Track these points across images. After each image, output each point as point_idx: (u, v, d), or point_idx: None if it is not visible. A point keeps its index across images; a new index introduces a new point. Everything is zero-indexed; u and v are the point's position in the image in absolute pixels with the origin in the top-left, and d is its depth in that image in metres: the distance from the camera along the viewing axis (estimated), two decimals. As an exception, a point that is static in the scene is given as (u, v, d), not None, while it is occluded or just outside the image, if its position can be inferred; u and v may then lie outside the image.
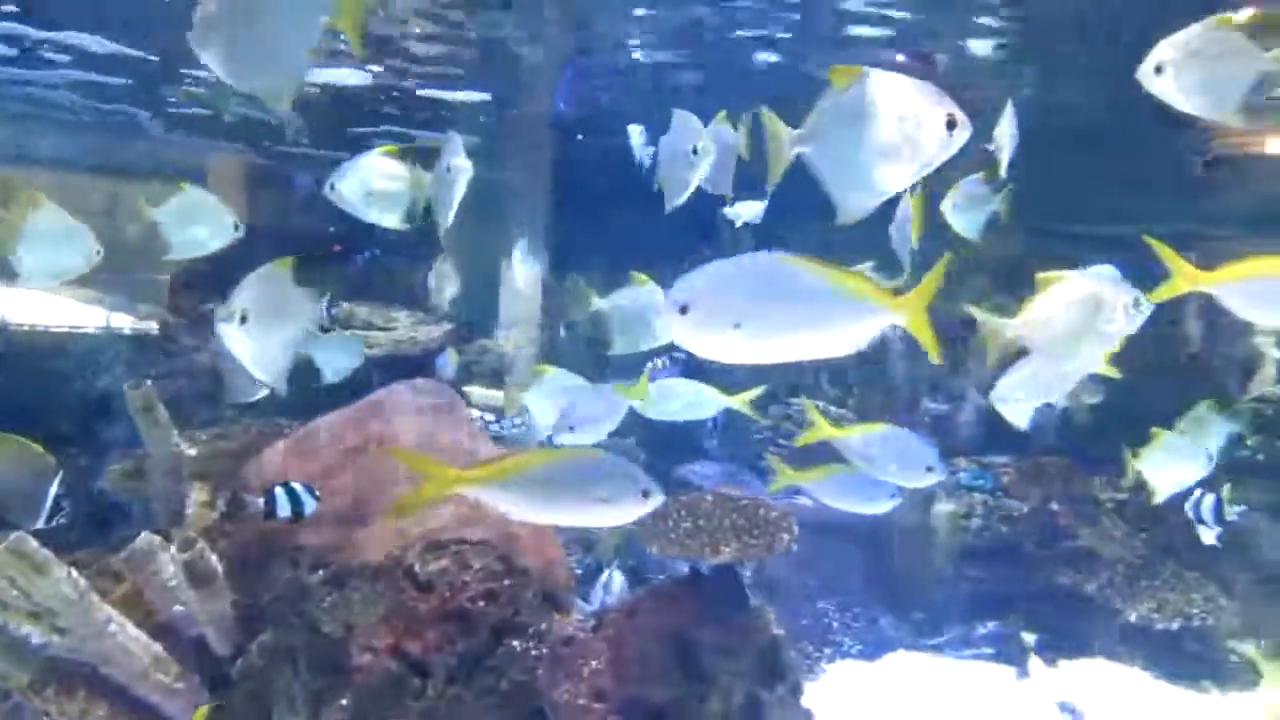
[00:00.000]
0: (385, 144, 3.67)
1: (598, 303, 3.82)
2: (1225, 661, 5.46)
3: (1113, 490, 6.05)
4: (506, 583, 3.44)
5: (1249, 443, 6.11)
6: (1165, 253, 2.83)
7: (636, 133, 5.44)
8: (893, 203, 4.50)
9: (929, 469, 3.67)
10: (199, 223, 3.95)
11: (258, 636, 3.69)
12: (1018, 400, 3.71)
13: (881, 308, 2.10)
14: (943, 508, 5.92)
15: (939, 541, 5.88)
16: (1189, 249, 7.08)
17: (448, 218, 3.42)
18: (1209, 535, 4.10)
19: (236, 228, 4.01)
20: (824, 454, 3.96)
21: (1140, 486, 5.63)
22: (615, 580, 3.65)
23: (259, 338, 2.86)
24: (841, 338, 2.11)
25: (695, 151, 3.37)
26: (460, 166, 3.38)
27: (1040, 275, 3.03)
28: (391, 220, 3.48)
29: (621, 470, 2.54)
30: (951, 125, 2.21)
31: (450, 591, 3.38)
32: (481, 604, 3.37)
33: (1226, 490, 4.28)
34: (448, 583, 3.39)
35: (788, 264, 2.10)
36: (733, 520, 3.41)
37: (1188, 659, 5.47)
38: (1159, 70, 2.61)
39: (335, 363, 4.60)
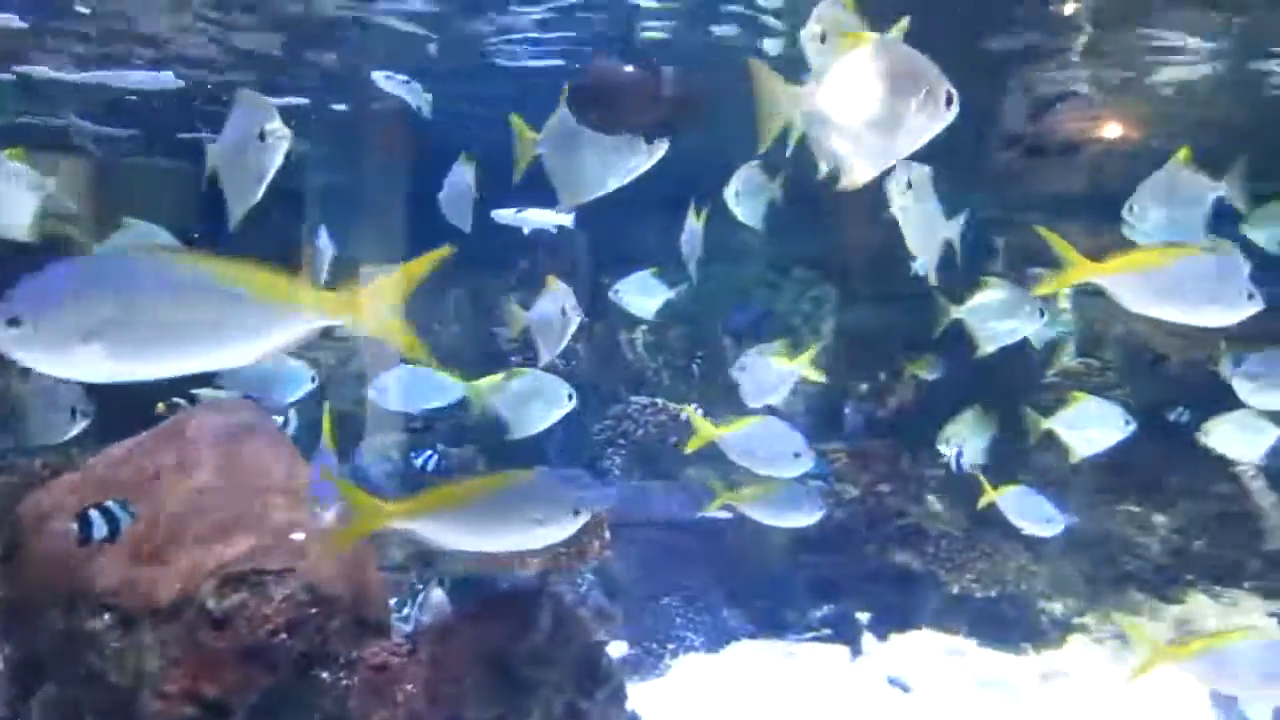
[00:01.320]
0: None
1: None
2: (1038, 622, 5.83)
3: (935, 467, 6.34)
4: (312, 612, 3.26)
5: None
6: (1058, 244, 2.92)
7: (381, 77, 5.05)
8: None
9: (796, 455, 3.87)
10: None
11: (36, 692, 3.38)
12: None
13: (305, 309, 1.84)
14: (778, 496, 6.06)
15: (776, 529, 6.01)
16: (1000, 233, 7.43)
17: (257, 194, 2.96)
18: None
19: None
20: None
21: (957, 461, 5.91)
22: (433, 598, 3.54)
23: None
24: (250, 345, 1.85)
25: (648, 141, 2.75)
26: (277, 132, 2.87)
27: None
28: (18, 227, 3.19)
29: (553, 490, 2.58)
30: (949, 101, 2.18)
31: (249, 626, 3.18)
32: (284, 637, 3.18)
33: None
34: (246, 617, 3.18)
35: (173, 262, 1.81)
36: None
37: (1006, 623, 5.81)
38: (823, 39, 2.61)
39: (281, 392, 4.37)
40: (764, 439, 3.96)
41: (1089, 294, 4.77)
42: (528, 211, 5.32)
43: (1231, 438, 4.37)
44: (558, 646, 3.22)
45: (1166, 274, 2.84)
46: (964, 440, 4.54)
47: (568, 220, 5.35)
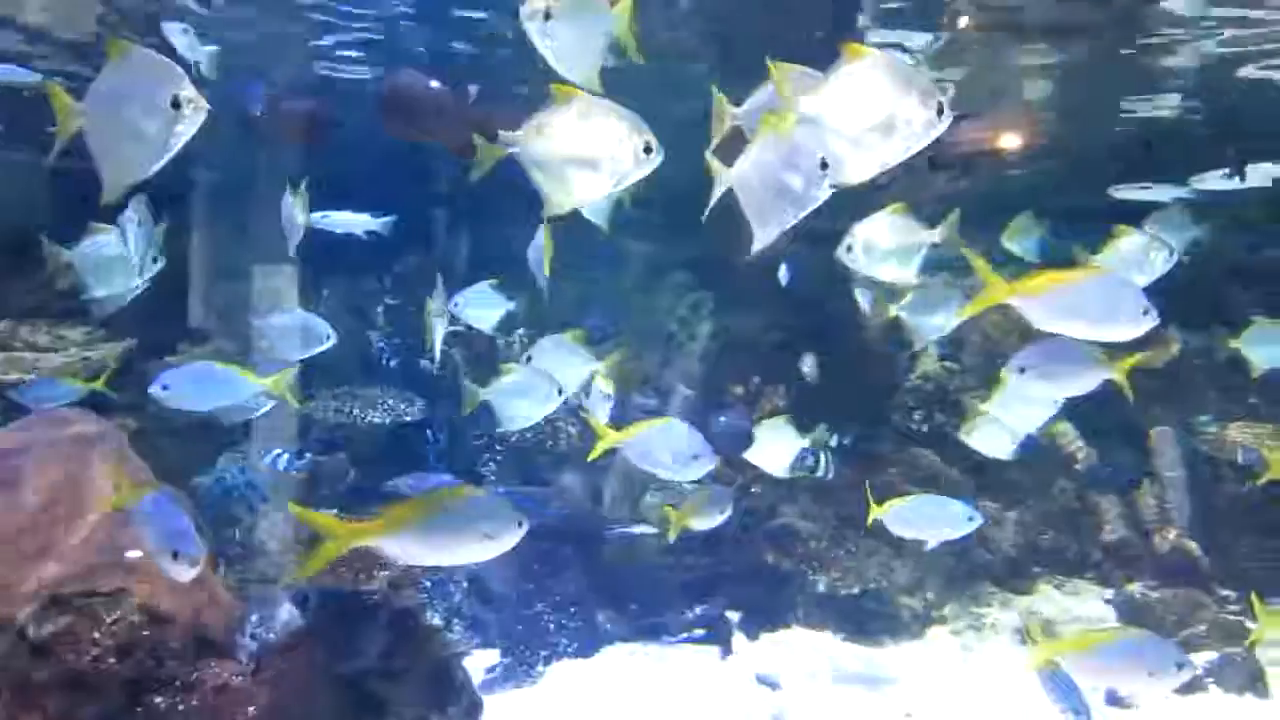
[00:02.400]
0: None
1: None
2: (899, 616, 6.05)
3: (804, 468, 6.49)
4: (145, 634, 3.11)
5: (916, 418, 6.81)
6: (979, 267, 3.01)
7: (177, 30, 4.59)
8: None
9: (696, 457, 3.92)
10: (113, 259, 3.90)
11: None
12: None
13: None
14: (652, 500, 6.11)
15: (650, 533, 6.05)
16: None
17: (150, 169, 2.58)
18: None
19: (155, 260, 3.92)
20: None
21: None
22: (280, 615, 3.41)
23: None
24: None
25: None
26: (195, 103, 2.52)
27: None
28: None
29: (499, 506, 2.73)
30: (940, 111, 2.32)
31: (74, 653, 3.00)
32: (112, 661, 3.02)
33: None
34: (70, 643, 3.01)
35: None
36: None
37: (868, 618, 6.01)
38: (546, 16, 2.66)
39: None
40: (664, 442, 4.02)
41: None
42: (335, 215, 5.24)
43: (986, 436, 4.66)
44: (407, 661, 3.16)
45: (1072, 295, 3.03)
46: (774, 447, 4.74)
47: (378, 225, 5.31)
